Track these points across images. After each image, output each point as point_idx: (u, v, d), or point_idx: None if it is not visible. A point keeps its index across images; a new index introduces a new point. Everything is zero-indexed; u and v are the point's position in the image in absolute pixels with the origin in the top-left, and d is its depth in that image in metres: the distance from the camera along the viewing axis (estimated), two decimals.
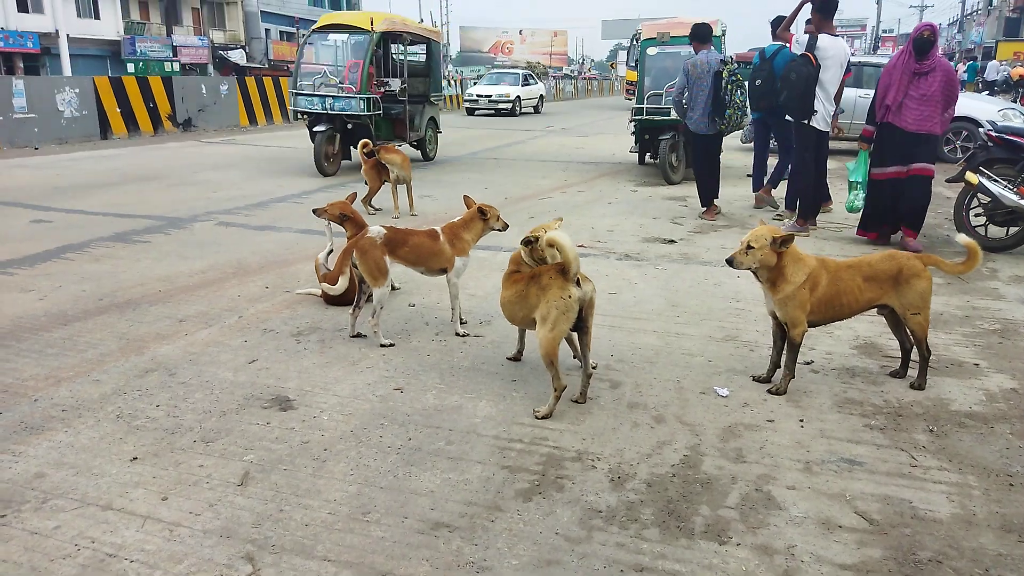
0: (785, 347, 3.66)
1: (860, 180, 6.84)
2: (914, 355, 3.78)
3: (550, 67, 65.62)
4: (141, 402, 3.51)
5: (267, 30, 52.14)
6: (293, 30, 55.37)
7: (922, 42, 6.18)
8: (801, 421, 3.36)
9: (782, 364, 3.70)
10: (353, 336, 4.38)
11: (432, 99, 13.41)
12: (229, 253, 6.37)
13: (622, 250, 6.59)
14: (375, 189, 8.21)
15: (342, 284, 4.49)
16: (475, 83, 30.68)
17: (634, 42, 20.47)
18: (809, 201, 7.32)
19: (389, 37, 12.36)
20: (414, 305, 5.04)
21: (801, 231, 7.10)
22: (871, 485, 2.85)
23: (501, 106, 26.73)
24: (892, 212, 6.68)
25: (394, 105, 12.14)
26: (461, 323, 4.53)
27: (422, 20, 74.08)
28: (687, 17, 10.74)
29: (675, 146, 10.45)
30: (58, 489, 2.78)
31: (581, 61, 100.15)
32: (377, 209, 8.31)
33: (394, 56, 13.13)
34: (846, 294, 3.61)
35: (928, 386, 3.71)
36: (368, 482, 2.85)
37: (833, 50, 6.95)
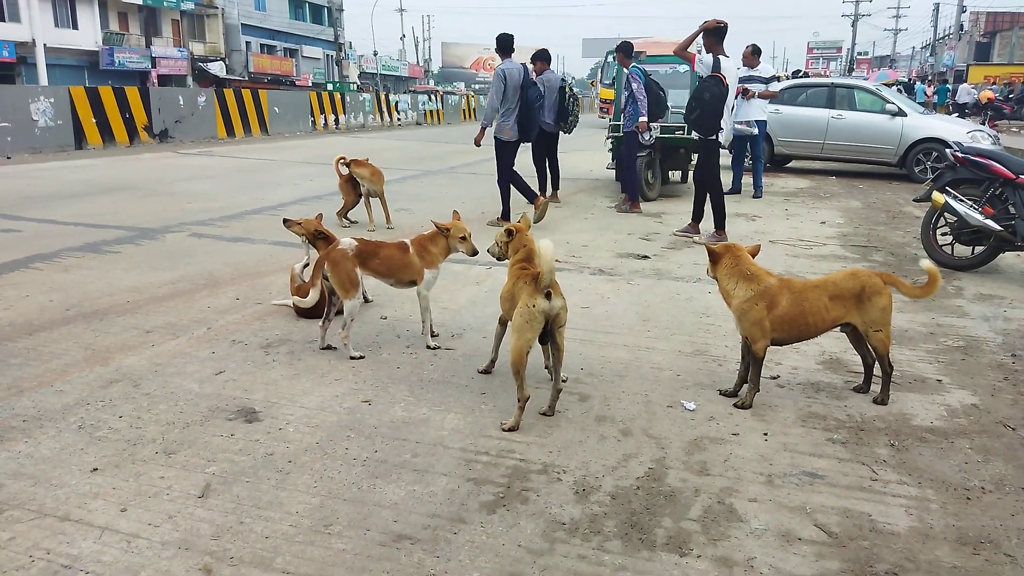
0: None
1: None
2: (877, 370, 3.83)
3: None
4: (104, 413, 3.47)
5: (247, 43, 52.00)
6: (274, 43, 55.38)
7: None
8: (765, 435, 3.40)
9: (748, 379, 3.73)
10: (323, 348, 4.36)
11: None
12: (201, 264, 6.33)
13: (596, 265, 6.63)
14: (349, 203, 8.21)
15: (313, 296, 4.47)
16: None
17: (610, 59, 20.61)
18: (722, 212, 7.79)
19: None
20: (386, 318, 5.03)
21: (721, 239, 7.52)
22: (831, 498, 2.88)
23: None
24: None
25: None
26: (432, 336, 4.52)
27: (404, 36, 74.39)
28: (665, 37, 10.92)
29: (651, 163, 10.55)
30: (15, 500, 2.74)
31: (563, 79, 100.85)
32: (353, 222, 8.30)
33: None
34: (812, 313, 3.66)
35: (891, 401, 3.76)
36: (331, 494, 2.83)
37: (729, 70, 7.53)
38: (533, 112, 8.62)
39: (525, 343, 3.31)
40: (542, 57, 9.97)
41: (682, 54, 7.90)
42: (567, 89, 10.02)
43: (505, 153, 8.61)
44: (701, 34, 7.55)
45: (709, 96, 7.43)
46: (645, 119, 9.38)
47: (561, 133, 10.35)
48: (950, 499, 2.90)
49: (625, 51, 9.82)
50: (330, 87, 41.97)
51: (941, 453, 3.27)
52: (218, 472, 2.97)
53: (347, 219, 8.30)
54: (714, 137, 7.62)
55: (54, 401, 3.58)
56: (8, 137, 14.20)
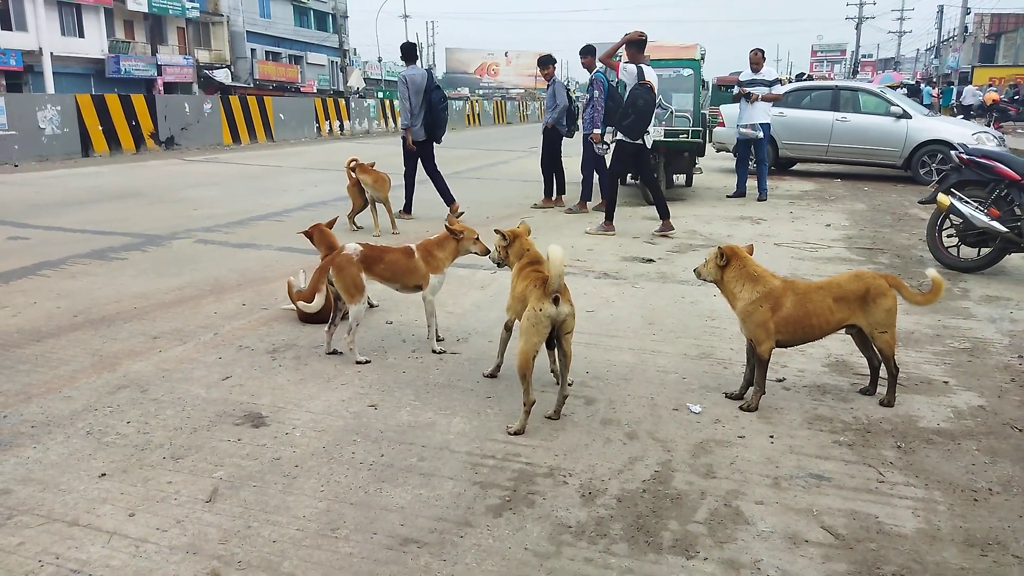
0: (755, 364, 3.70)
1: None
2: (883, 372, 3.83)
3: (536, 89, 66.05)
4: (112, 418, 3.48)
5: (253, 50, 52.22)
6: (279, 50, 55.61)
7: None
8: (771, 437, 3.39)
9: (754, 381, 3.73)
10: (329, 353, 4.38)
11: None
12: (207, 270, 6.36)
13: (600, 268, 6.63)
14: (357, 206, 8.25)
15: (318, 301, 4.48)
16: None
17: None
18: (612, 205, 8.46)
19: None
20: (391, 322, 5.04)
21: (609, 231, 8.28)
22: (838, 500, 2.88)
23: None
24: None
25: None
26: (438, 340, 4.53)
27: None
28: (668, 41, 10.91)
29: (655, 167, 10.55)
30: (24, 505, 2.75)
31: (567, 83, 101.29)
32: (359, 227, 8.33)
33: None
34: (817, 315, 3.65)
35: (897, 403, 3.75)
36: (338, 498, 2.84)
37: (652, 77, 8.10)
38: (438, 113, 9.00)
39: (531, 347, 3.32)
40: (552, 61, 10.23)
41: (607, 62, 8.46)
42: (570, 94, 10.50)
43: (421, 152, 9.19)
44: (623, 45, 8.11)
45: (643, 103, 7.87)
46: (599, 131, 9.39)
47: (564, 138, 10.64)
48: (957, 501, 2.89)
49: (591, 54, 9.94)
50: (380, 95, 42.64)
51: (948, 455, 3.26)
52: (225, 477, 2.98)
53: (354, 224, 8.33)
54: (640, 141, 8.08)
55: (62, 407, 3.60)
56: (15, 145, 14.30)
